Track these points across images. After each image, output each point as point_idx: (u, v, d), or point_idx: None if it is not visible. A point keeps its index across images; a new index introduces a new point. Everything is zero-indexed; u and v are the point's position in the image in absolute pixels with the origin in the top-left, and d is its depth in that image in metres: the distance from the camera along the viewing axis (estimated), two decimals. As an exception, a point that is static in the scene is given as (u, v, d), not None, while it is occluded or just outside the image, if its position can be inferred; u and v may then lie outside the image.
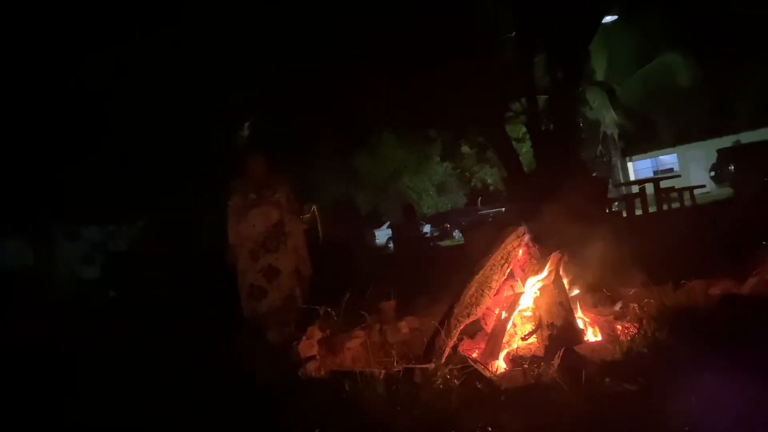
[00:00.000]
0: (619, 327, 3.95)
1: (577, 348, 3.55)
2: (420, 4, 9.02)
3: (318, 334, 4.56)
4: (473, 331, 4.12)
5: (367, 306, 4.85)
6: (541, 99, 10.65)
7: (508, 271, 4.01)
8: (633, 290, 4.49)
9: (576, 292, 4.27)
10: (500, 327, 3.93)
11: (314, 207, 13.30)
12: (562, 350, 3.45)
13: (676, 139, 23.27)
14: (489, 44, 10.32)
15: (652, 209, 12.90)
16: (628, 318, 4.02)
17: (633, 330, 3.72)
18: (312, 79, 10.51)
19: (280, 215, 5.82)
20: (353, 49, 9.42)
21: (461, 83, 9.43)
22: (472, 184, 26.34)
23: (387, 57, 9.42)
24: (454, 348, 3.82)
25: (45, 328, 7.71)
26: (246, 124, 13.35)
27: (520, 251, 4.01)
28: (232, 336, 5.06)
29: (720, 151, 21.08)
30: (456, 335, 3.82)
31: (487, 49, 10.16)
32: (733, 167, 18.57)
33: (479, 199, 28.62)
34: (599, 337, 3.92)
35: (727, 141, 21.85)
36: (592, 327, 4.04)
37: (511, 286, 4.10)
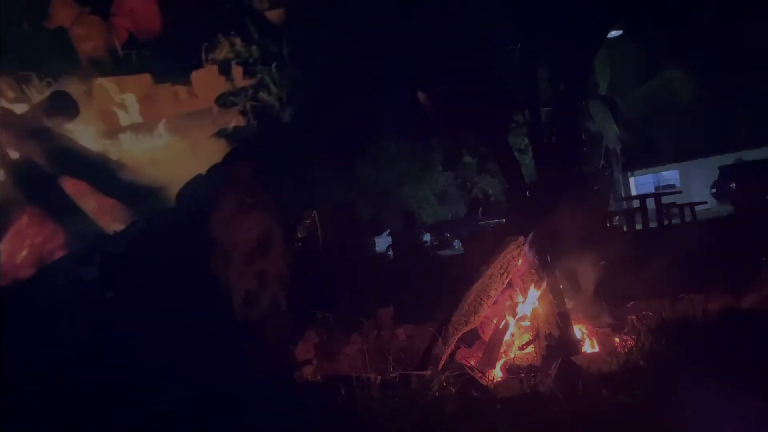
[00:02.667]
0: (616, 339, 3.95)
1: (574, 359, 3.55)
2: (426, 17, 9.05)
3: (315, 339, 4.56)
4: (471, 339, 4.12)
5: (365, 312, 4.84)
6: (544, 111, 10.66)
7: (508, 280, 4.01)
8: (631, 303, 4.49)
9: (574, 303, 4.27)
10: (498, 336, 3.94)
11: (315, 213, 13.26)
12: (559, 360, 3.45)
13: (678, 155, 23.25)
14: (493, 55, 10.35)
15: (652, 224, 12.88)
16: (626, 330, 4.02)
17: (631, 342, 3.73)
18: (315, 86, 10.54)
19: (271, 221, 5.77)
20: (360, 57, 9.45)
21: (465, 93, 9.45)
22: (473, 194, 26.27)
23: (392, 66, 9.45)
24: (452, 356, 3.82)
25: (42, 329, 7.65)
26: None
27: (520, 261, 4.01)
28: (229, 340, 5.03)
29: (722, 168, 21.08)
30: (453, 343, 3.82)
31: (492, 60, 10.19)
32: (734, 185, 18.57)
33: (480, 209, 28.57)
34: (597, 349, 3.92)
35: (729, 158, 21.85)
36: (590, 338, 4.05)
37: (510, 296, 4.10)
